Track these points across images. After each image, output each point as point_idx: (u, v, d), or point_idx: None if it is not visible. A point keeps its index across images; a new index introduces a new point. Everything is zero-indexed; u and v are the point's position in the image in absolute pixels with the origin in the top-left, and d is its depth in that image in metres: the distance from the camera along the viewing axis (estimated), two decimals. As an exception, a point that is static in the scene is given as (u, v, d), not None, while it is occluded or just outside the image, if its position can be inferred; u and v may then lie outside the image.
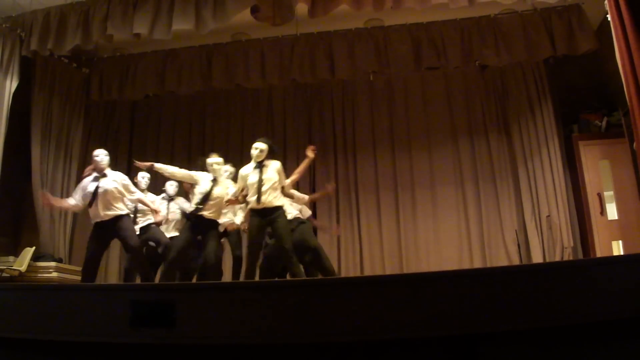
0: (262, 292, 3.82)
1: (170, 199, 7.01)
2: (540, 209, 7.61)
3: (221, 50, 8.31)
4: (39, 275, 6.87)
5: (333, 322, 3.54)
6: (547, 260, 7.21)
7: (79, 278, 7.21)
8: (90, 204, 5.92)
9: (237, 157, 8.74)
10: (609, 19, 5.57)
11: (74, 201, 6.06)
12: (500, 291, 3.50)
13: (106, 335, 3.77)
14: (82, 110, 8.46)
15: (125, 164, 8.97)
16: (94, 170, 6.07)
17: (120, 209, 6.01)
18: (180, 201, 7.03)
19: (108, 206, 5.91)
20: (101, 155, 6.06)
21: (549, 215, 7.47)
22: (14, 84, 7.21)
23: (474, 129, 8.29)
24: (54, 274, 6.93)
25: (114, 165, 8.84)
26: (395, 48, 7.78)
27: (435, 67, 8.04)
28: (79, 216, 8.21)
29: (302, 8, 6.70)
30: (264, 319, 3.61)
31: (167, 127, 9.18)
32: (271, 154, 5.99)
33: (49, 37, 7.22)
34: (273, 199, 5.74)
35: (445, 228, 7.99)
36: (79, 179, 8.08)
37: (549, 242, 7.44)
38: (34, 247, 7.01)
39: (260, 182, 5.72)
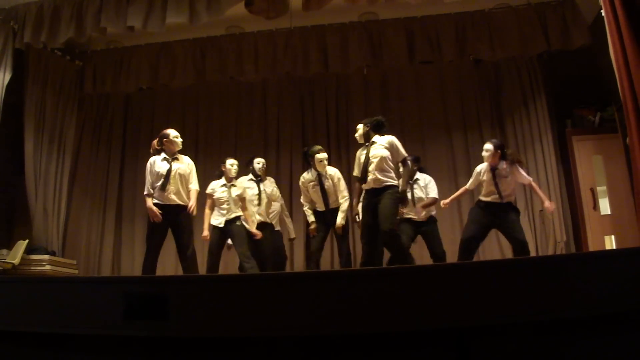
0: (255, 284, 3.82)
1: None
2: (533, 203, 7.64)
3: (215, 44, 8.29)
4: (32, 268, 6.86)
5: (326, 315, 3.55)
6: (540, 254, 7.24)
7: (72, 271, 7.24)
8: (163, 187, 6.05)
9: (231, 150, 8.78)
10: (603, 14, 5.58)
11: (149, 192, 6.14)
12: (493, 285, 3.51)
13: (99, 327, 3.77)
14: (76, 103, 8.42)
15: (119, 156, 8.98)
16: (162, 151, 6.22)
17: (185, 199, 6.13)
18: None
19: (178, 191, 6.08)
20: (179, 137, 6.27)
21: (542, 210, 7.48)
22: (7, 77, 7.17)
23: (467, 123, 8.31)
24: (47, 267, 6.92)
25: (107, 159, 8.92)
26: (390, 42, 7.77)
27: (430, 61, 8.03)
28: (72, 209, 8.20)
29: (296, 1, 6.70)
30: (257, 312, 3.61)
31: (161, 120, 9.15)
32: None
33: (42, 30, 7.19)
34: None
35: (438, 222, 8.00)
36: (71, 171, 8.16)
37: (542, 237, 7.47)
38: (27, 240, 6.99)
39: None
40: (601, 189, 7.30)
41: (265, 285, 3.79)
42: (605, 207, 7.26)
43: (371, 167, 5.71)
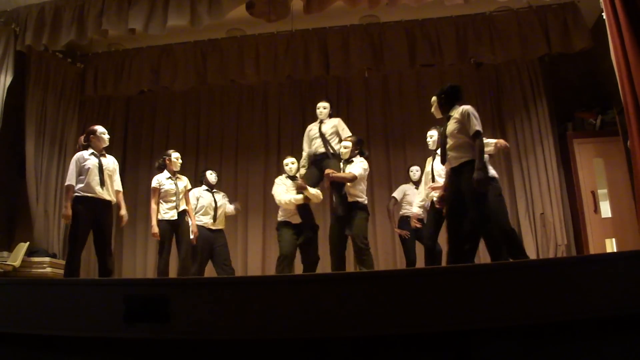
0: (256, 287, 3.82)
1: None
2: (534, 206, 7.63)
3: (216, 46, 8.29)
4: (33, 270, 6.86)
5: (327, 318, 3.55)
6: (541, 257, 7.23)
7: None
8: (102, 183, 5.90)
9: (232, 153, 8.78)
10: (604, 17, 5.58)
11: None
12: (494, 288, 3.51)
13: (100, 330, 3.78)
14: (77, 106, 8.44)
15: (120, 159, 8.97)
16: (88, 147, 6.04)
17: (110, 196, 6.02)
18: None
19: (108, 187, 5.95)
20: (106, 134, 6.13)
21: (542, 213, 7.49)
22: (8, 79, 7.18)
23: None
24: (48, 269, 6.92)
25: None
26: (391, 45, 7.77)
27: (430, 64, 8.03)
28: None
29: (297, 4, 6.70)
30: (258, 315, 3.61)
31: (162, 122, 9.16)
32: None
33: (43, 32, 7.21)
34: None
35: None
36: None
37: (543, 240, 7.45)
38: (27, 243, 7.01)
39: None
40: (602, 191, 7.29)
41: (267, 287, 3.79)
42: (606, 210, 7.25)
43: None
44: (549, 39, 7.32)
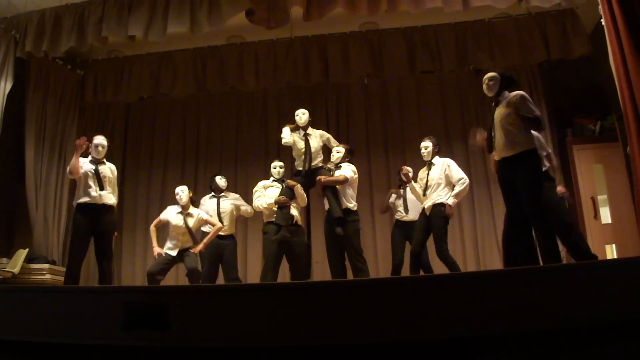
0: (255, 294, 3.81)
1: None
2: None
3: (216, 53, 8.32)
4: (32, 277, 6.85)
5: (327, 325, 3.54)
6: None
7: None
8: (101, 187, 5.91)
9: (231, 159, 8.77)
10: (603, 23, 5.59)
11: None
12: (494, 294, 3.50)
13: (99, 337, 3.76)
14: (77, 112, 8.45)
15: (119, 165, 8.97)
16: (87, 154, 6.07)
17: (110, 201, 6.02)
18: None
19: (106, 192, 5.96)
20: (100, 147, 6.10)
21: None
22: (8, 85, 7.20)
23: (468, 132, 8.29)
24: (47, 276, 6.91)
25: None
26: (390, 51, 7.79)
27: (430, 70, 8.04)
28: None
29: (297, 11, 6.71)
30: (257, 322, 3.60)
31: (162, 129, 9.16)
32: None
33: (43, 39, 7.22)
34: None
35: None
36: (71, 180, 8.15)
37: (542, 246, 7.44)
38: (27, 249, 7.00)
39: None
40: (602, 197, 7.29)
41: (266, 295, 3.78)
42: (606, 216, 7.24)
43: None
44: (548, 45, 7.35)
